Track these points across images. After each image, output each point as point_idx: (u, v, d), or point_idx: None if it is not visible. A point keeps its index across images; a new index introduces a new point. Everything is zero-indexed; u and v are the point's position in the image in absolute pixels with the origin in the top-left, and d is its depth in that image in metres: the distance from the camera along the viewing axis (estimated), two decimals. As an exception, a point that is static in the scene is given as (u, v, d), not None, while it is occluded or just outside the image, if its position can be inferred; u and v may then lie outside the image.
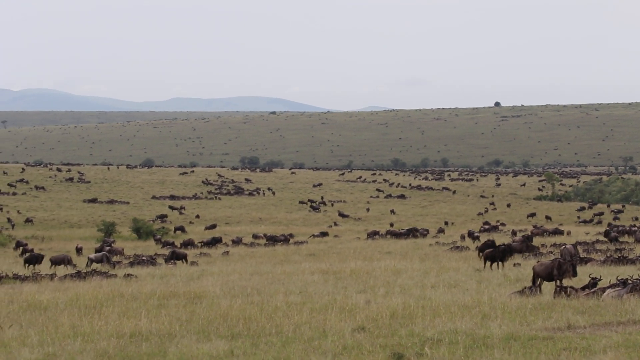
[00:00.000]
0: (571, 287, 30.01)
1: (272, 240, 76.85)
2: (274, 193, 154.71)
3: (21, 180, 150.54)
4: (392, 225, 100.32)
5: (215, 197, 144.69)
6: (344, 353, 20.56)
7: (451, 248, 59.81)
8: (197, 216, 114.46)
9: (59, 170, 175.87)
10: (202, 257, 59.59)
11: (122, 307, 29.98)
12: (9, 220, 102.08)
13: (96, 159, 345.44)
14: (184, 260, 54.21)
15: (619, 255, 46.14)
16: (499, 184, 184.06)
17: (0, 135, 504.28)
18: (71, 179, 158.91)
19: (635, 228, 72.39)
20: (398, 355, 20.01)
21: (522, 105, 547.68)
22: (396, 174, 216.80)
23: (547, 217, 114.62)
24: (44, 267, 53.77)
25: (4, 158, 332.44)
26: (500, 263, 43.44)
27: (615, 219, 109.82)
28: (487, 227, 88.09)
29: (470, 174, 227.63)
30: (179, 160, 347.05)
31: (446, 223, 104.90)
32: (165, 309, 29.30)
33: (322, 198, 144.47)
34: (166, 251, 64.85)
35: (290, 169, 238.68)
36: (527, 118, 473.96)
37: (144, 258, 55.04)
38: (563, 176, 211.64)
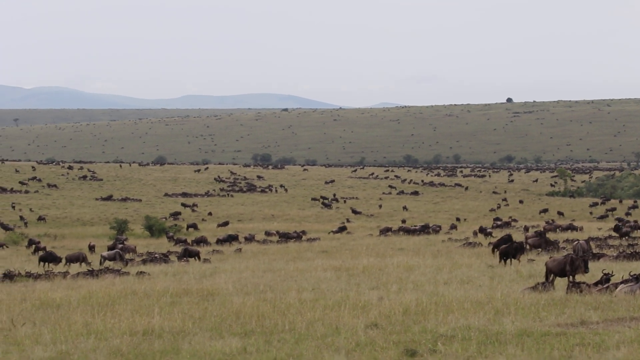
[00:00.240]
0: (584, 282, 29.99)
1: (285, 237, 76.89)
2: (286, 190, 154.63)
3: (33, 178, 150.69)
4: (404, 221, 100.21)
5: (228, 195, 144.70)
6: (357, 349, 20.58)
7: (464, 244, 59.69)
8: (210, 213, 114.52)
9: (71, 168, 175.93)
10: (215, 255, 59.68)
11: (135, 304, 30.05)
12: (21, 218, 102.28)
13: (108, 157, 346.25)
14: (196, 258, 54.31)
15: (632, 250, 46.04)
16: (512, 180, 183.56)
17: (12, 133, 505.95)
18: (83, 177, 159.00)
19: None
20: (411, 351, 20.02)
21: (534, 101, 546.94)
22: (408, 171, 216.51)
23: (560, 213, 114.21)
24: (57, 265, 54.01)
25: (16, 156, 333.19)
26: (513, 259, 43.42)
27: (627, 214, 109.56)
28: (499, 223, 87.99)
29: (483, 170, 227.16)
30: (191, 158, 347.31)
31: (458, 219, 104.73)
32: (178, 306, 29.36)
33: (334, 195, 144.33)
34: (179, 249, 64.91)
35: (302, 166, 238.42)
36: (539, 114, 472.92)
37: (156, 255, 55.16)
38: (575, 172, 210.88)
